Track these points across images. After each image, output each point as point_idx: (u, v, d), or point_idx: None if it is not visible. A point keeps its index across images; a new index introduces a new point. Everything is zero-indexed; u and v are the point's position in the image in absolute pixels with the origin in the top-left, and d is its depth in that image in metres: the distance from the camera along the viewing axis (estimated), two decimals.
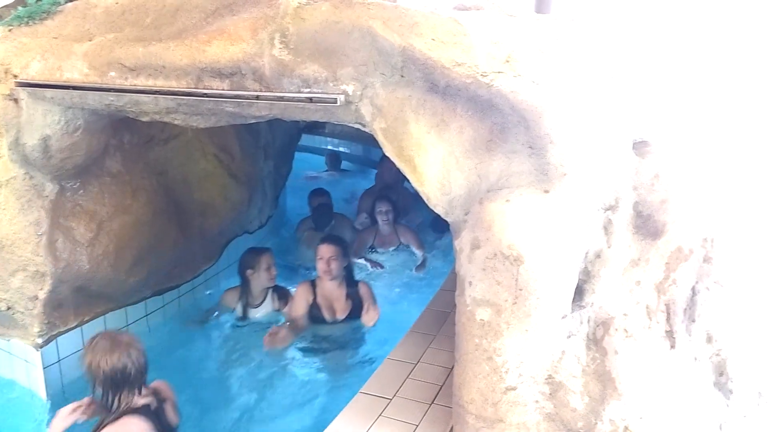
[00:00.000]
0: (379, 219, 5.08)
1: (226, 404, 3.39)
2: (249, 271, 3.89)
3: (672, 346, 2.18)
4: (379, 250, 5.16)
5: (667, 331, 2.18)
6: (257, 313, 4.01)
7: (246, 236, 4.80)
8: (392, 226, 5.14)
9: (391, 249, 5.17)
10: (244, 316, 3.99)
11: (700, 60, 3.60)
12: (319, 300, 3.80)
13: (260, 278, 3.92)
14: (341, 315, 3.80)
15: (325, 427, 2.47)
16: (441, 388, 2.73)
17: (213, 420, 3.24)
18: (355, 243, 5.06)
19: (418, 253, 5.05)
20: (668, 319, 2.17)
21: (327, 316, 3.79)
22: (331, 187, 6.41)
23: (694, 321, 2.19)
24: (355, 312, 3.75)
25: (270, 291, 4.02)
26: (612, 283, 2.20)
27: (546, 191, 2.09)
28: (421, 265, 4.95)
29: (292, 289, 4.06)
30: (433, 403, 2.63)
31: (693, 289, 2.17)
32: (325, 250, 3.79)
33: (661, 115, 2.46)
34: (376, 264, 4.95)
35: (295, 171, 6.39)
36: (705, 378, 2.26)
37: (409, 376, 2.83)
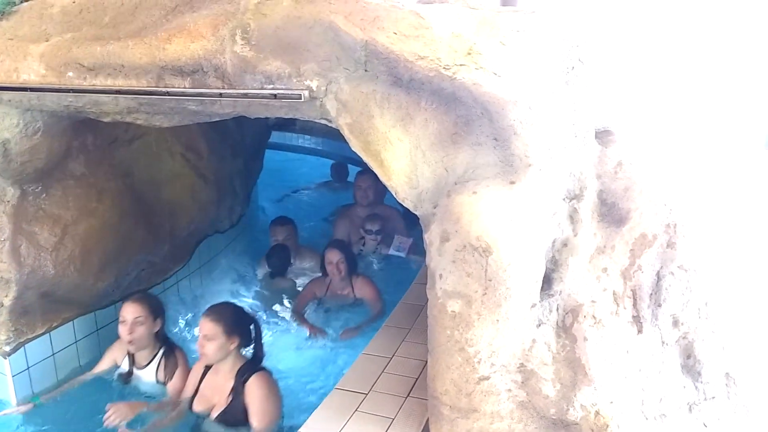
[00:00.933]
0: (329, 269, 4.23)
1: None
2: None
3: (639, 331, 2.22)
4: (328, 303, 4.34)
5: (634, 317, 2.22)
6: None
7: (217, 236, 4.74)
8: (347, 278, 4.27)
9: (345, 305, 4.33)
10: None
11: (662, 47, 3.66)
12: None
13: None
14: None
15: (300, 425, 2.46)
16: (416, 380, 2.74)
17: None
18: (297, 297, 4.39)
19: (373, 310, 4.17)
20: (635, 304, 2.21)
21: None
22: (333, 199, 6.37)
23: (660, 306, 2.23)
24: None
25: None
26: (579, 271, 2.23)
27: (512, 182, 2.11)
28: (353, 330, 3.98)
29: None
30: (408, 396, 2.64)
31: (658, 274, 2.21)
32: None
33: (623, 104, 2.49)
34: (316, 330, 4.03)
35: (303, 176, 6.37)
36: (673, 361, 2.31)
37: (385, 371, 2.83)
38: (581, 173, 2.24)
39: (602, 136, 2.37)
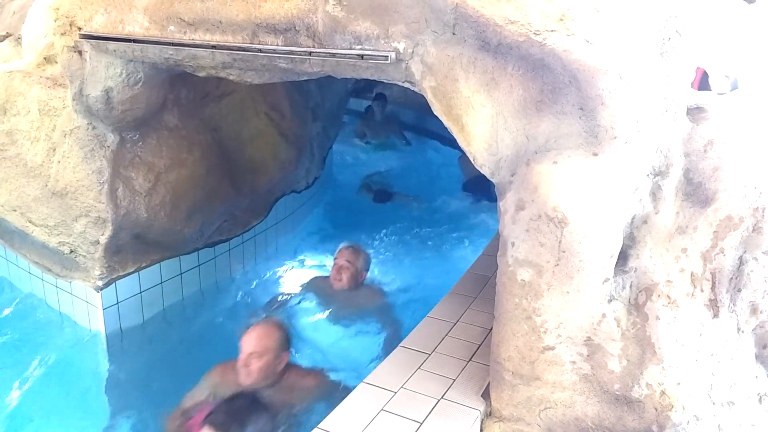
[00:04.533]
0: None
1: None
2: None
3: (715, 315, 2.17)
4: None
5: (711, 300, 2.16)
6: None
7: (293, 195, 4.91)
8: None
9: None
10: None
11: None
12: None
13: None
14: None
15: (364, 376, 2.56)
16: (479, 347, 2.78)
17: None
18: None
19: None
20: (713, 288, 2.15)
21: None
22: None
23: (739, 291, 2.16)
24: None
25: None
26: (657, 250, 2.19)
27: (595, 154, 2.07)
28: None
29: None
30: (470, 360, 2.69)
31: (740, 258, 2.14)
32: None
33: (722, 79, 2.39)
34: None
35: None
36: (748, 349, 2.24)
37: (448, 334, 2.89)
38: (668, 149, 2.18)
39: (694, 112, 2.29)
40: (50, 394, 3.16)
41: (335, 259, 3.83)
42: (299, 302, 3.92)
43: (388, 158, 7.34)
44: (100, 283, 3.44)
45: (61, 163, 3.31)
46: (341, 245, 3.84)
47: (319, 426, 2.24)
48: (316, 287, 4.04)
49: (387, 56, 2.27)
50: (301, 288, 4.09)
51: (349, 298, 3.82)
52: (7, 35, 4.74)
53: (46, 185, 3.38)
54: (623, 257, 2.19)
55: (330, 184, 5.97)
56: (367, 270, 3.88)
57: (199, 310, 3.88)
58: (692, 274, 2.17)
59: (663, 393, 2.12)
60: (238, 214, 4.19)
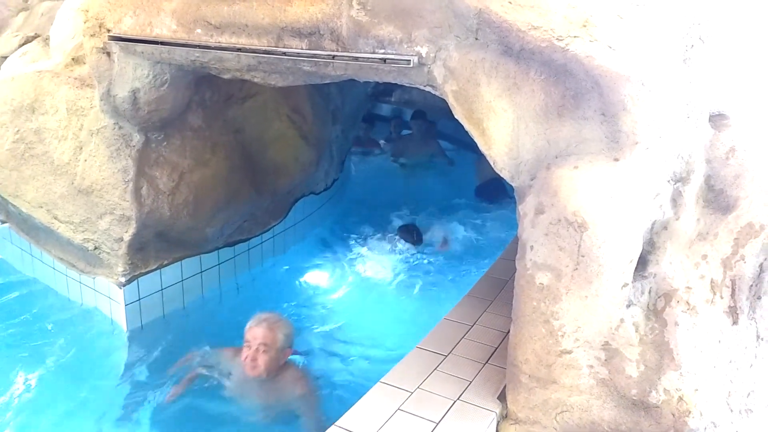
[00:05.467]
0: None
1: None
2: None
3: (735, 323, 2.16)
4: None
5: (730, 307, 2.16)
6: None
7: (312, 197, 4.96)
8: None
9: None
10: None
11: None
12: None
13: None
14: None
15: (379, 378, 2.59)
16: (496, 349, 2.80)
17: None
18: None
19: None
20: (733, 295, 2.15)
21: None
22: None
23: (759, 299, 2.16)
24: None
25: None
26: (677, 256, 2.19)
27: (616, 159, 2.09)
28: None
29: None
30: (487, 363, 2.70)
31: (761, 266, 2.14)
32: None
33: (743, 88, 2.38)
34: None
35: None
36: (766, 357, 2.23)
37: (465, 337, 2.90)
38: (690, 156, 2.18)
39: (716, 119, 2.29)
40: (72, 387, 3.22)
41: (246, 336, 2.97)
42: (205, 381, 3.21)
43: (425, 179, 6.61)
44: (123, 280, 3.51)
45: (88, 161, 3.39)
46: (252, 320, 3.01)
47: (336, 423, 2.27)
48: (225, 365, 3.17)
49: (409, 60, 2.30)
50: (207, 364, 3.28)
51: (265, 389, 3.01)
52: (36, 36, 4.85)
53: (73, 183, 3.46)
54: (643, 263, 2.20)
55: (348, 186, 6.01)
56: (291, 345, 3.04)
57: (218, 308, 3.94)
58: (712, 281, 2.17)
59: (680, 399, 2.12)
60: (259, 214, 4.25)
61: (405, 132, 7.67)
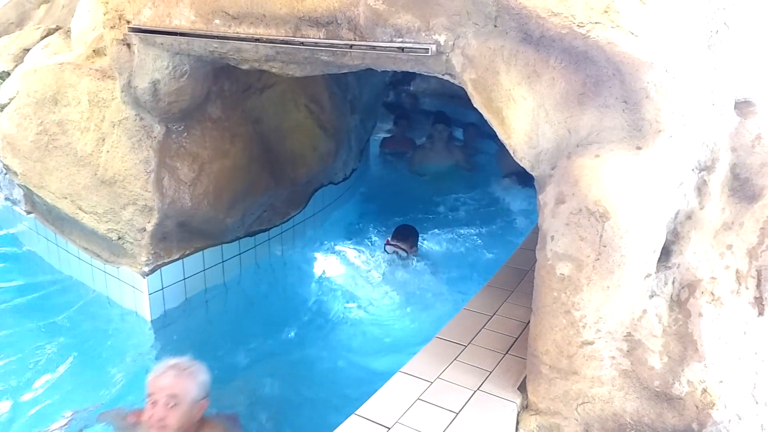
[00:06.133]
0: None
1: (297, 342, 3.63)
2: None
3: (760, 313, 2.13)
4: None
5: (756, 298, 2.12)
6: None
7: (331, 187, 4.97)
8: None
9: None
10: None
11: None
12: None
13: None
14: None
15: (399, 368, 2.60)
16: (516, 340, 2.78)
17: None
18: None
19: None
20: (758, 285, 2.11)
21: None
22: None
23: None
24: None
25: None
26: (701, 246, 2.16)
27: (638, 148, 2.05)
28: None
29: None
30: (507, 353, 2.69)
31: None
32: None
33: None
34: None
35: None
36: None
37: (485, 327, 2.89)
38: (715, 144, 2.14)
39: (742, 106, 2.23)
40: (97, 375, 3.29)
41: (149, 390, 2.48)
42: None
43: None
44: (147, 269, 3.56)
45: (110, 152, 3.43)
46: (155, 369, 2.55)
47: (356, 413, 2.28)
48: None
49: (428, 49, 2.28)
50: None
51: None
52: (58, 28, 4.91)
53: (96, 174, 3.51)
54: (666, 253, 2.16)
55: (367, 176, 6.01)
56: (206, 396, 2.58)
57: (239, 298, 3.98)
58: (737, 271, 2.13)
59: (704, 391, 2.09)
60: (278, 204, 4.27)
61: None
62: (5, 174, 4.47)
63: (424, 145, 6.66)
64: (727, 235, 2.15)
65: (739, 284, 2.12)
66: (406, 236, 4.40)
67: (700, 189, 2.15)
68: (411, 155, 6.65)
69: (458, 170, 6.43)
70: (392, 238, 4.39)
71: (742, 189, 2.15)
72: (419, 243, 4.54)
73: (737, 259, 2.13)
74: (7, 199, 4.70)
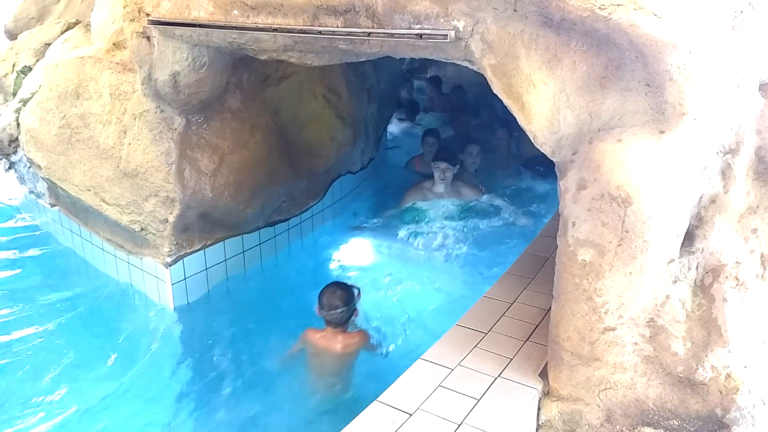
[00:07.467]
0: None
1: None
2: None
3: None
4: None
5: None
6: None
7: (349, 176, 4.98)
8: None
9: None
10: None
11: None
12: None
13: None
14: None
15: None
16: (536, 327, 2.78)
17: None
18: None
19: None
20: None
21: None
22: None
23: None
24: None
25: None
26: (726, 230, 2.13)
27: (662, 131, 2.02)
28: None
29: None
30: (528, 340, 2.69)
31: None
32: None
33: None
34: None
35: None
36: None
37: (505, 314, 2.89)
38: (739, 127, 2.10)
39: (767, 88, 2.19)
40: (123, 365, 3.35)
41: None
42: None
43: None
44: (169, 260, 3.60)
45: (132, 145, 3.47)
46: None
47: (378, 399, 2.30)
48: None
49: (446, 35, 2.27)
50: None
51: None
52: (78, 22, 4.97)
53: (118, 166, 3.55)
54: (690, 237, 2.14)
55: (384, 164, 6.00)
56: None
57: (260, 287, 4.02)
58: (762, 256, 2.10)
59: (728, 376, 2.07)
60: (297, 194, 4.29)
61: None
62: (29, 167, 4.55)
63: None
64: (752, 219, 2.12)
65: (764, 268, 2.09)
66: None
67: (725, 172, 2.12)
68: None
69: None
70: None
71: (767, 172, 2.12)
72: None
73: (762, 243, 2.10)
74: (31, 192, 4.79)
